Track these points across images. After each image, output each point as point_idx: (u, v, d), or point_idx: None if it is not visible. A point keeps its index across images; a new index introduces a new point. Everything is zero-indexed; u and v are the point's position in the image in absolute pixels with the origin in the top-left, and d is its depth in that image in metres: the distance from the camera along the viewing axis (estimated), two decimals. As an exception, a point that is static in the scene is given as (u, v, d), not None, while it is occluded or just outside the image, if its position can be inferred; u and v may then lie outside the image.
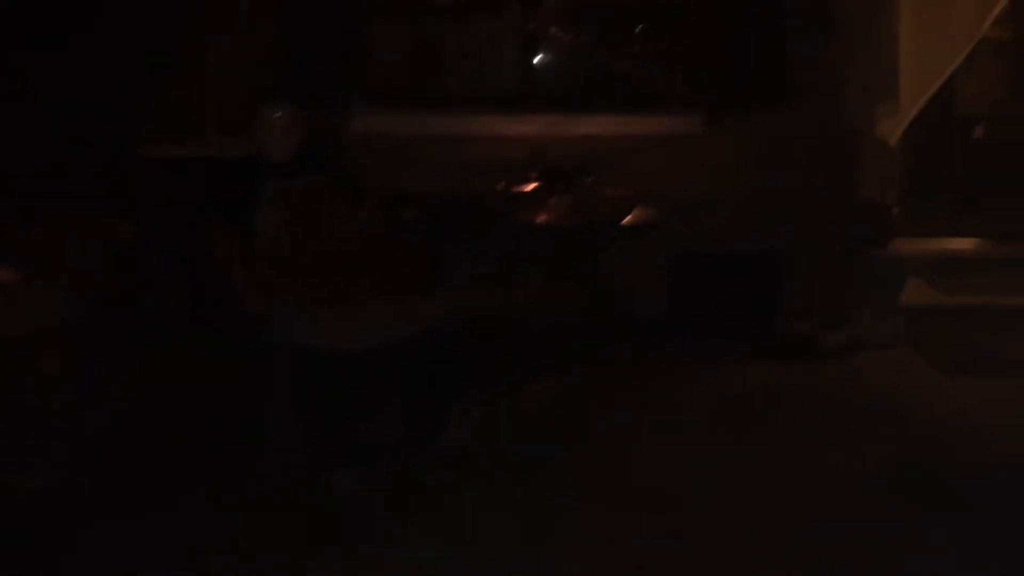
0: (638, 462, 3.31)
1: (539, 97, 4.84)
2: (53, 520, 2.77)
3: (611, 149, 4.63)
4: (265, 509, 2.91)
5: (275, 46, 4.52)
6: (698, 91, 4.75)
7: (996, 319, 4.68)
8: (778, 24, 4.59)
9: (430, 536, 2.77)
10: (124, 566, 2.56)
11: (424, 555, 2.66)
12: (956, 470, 3.25)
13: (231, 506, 2.92)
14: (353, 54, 4.70)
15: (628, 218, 4.19)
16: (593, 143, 4.66)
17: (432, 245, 4.33)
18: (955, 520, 2.88)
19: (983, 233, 5.40)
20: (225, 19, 4.55)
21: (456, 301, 3.50)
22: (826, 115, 4.59)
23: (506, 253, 4.60)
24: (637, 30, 4.88)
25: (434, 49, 4.87)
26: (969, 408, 3.75)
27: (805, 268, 4.56)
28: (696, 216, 4.52)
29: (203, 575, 2.55)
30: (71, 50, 4.27)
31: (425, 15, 4.86)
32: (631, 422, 3.65)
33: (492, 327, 4.25)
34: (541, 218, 4.26)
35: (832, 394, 3.95)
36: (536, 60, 4.92)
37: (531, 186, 4.38)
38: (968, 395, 3.89)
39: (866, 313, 4.51)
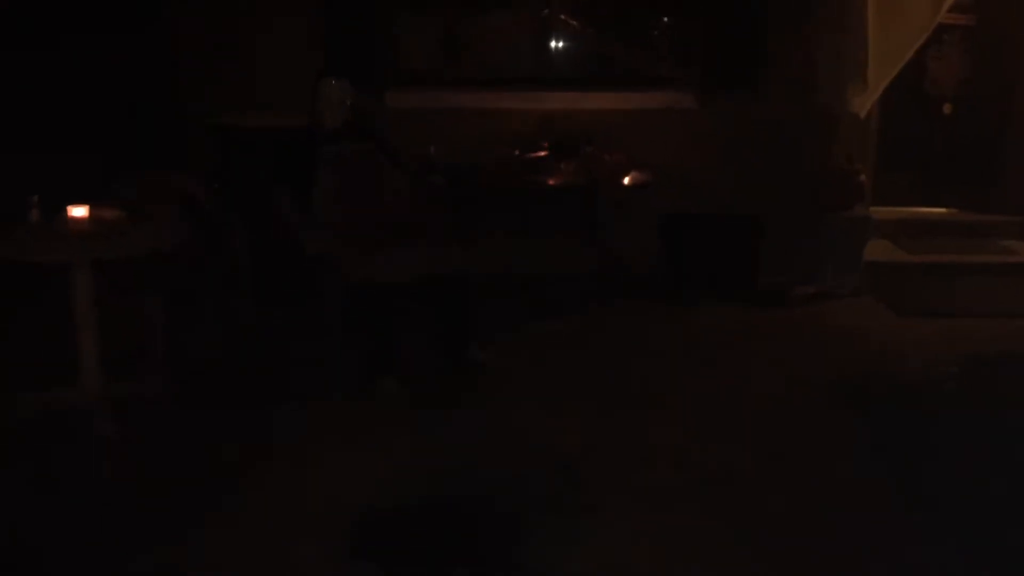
0: (628, 374, 4.00)
1: (550, 77, 5.50)
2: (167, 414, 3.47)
3: (611, 122, 5.28)
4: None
5: (324, 32, 5.16)
6: (688, 72, 5.38)
7: (949, 274, 5.33)
8: (760, 11, 5.20)
9: (456, 424, 3.48)
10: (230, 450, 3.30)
11: (450, 436, 3.39)
12: (895, 389, 3.92)
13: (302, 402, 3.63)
14: (389, 42, 5.34)
15: (625, 180, 4.84)
16: (596, 116, 5.30)
17: (457, 203, 5.02)
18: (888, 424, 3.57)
19: (946, 202, 6.04)
20: (280, 7, 5.19)
21: (471, 251, 4.16)
22: (802, 93, 5.20)
23: (520, 212, 5.27)
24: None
25: (458, 36, 5.52)
26: (918, 341, 4.42)
27: (780, 229, 5.16)
28: (685, 182, 5.16)
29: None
30: (146, 36, 4.92)
31: (450, 8, 5.49)
32: (623, 350, 4.32)
33: (505, 278, 4.93)
34: (551, 180, 4.92)
35: (798, 330, 4.62)
36: (547, 45, 5.57)
37: (542, 153, 5.04)
38: (918, 332, 4.55)
39: (832, 267, 5.12)
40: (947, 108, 5.98)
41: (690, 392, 3.83)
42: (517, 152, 5.07)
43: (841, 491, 3.08)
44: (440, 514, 2.90)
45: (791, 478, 3.16)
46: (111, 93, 4.67)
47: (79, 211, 3.30)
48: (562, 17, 5.40)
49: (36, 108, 4.40)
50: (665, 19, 5.59)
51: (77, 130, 4.44)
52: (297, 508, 2.90)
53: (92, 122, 4.53)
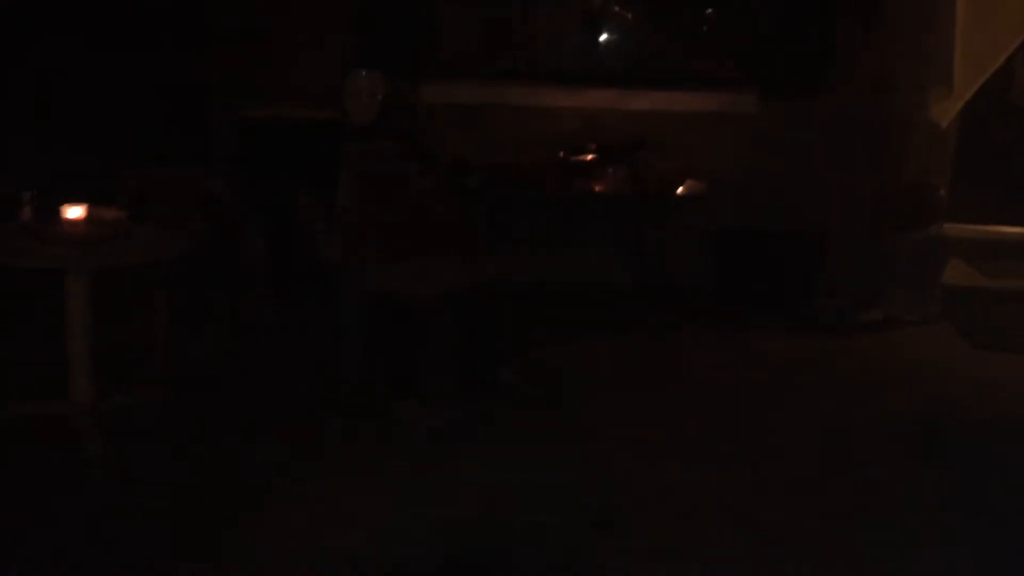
0: (675, 410, 3.61)
1: (599, 72, 5.07)
2: (163, 433, 3.17)
3: (664, 124, 4.87)
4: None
5: (357, 21, 4.82)
6: (748, 72, 4.92)
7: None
8: (829, 10, 4.73)
9: (480, 460, 3.13)
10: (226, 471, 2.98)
11: (472, 475, 3.03)
12: (973, 430, 3.48)
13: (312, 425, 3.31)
14: (427, 30, 4.98)
15: (679, 190, 4.43)
16: (647, 118, 4.89)
17: (492, 209, 4.66)
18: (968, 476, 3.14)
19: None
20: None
21: (504, 262, 3.81)
22: (873, 100, 4.72)
23: (562, 221, 4.89)
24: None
25: (501, 27, 5.13)
26: (996, 380, 3.96)
27: (844, 247, 4.72)
28: (741, 192, 4.73)
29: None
30: (170, 25, 4.64)
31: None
32: (666, 377, 3.93)
33: (546, 288, 4.58)
34: (598, 187, 4.53)
35: (865, 362, 4.17)
36: (598, 38, 5.14)
37: (589, 157, 4.65)
38: (996, 369, 4.09)
39: (903, 291, 4.66)
40: (1033, 119, 5.45)
41: (745, 434, 3.42)
42: (562, 154, 4.69)
43: (924, 566, 2.67)
44: (449, 573, 2.55)
45: (862, 543, 2.75)
46: (136, 83, 4.40)
47: (75, 212, 3.00)
48: (616, 8, 4.97)
49: (64, 99, 4.17)
50: (723, 13, 5.13)
51: (97, 123, 4.19)
52: (285, 560, 2.56)
53: (113, 114, 4.27)
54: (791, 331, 4.49)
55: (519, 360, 3.71)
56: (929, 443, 3.40)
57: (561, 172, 4.60)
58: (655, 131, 4.79)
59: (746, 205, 4.78)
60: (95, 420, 3.03)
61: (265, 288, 3.99)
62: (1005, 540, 2.77)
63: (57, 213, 2.99)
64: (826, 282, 4.76)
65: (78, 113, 4.20)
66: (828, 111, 4.75)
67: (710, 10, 5.13)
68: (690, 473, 3.09)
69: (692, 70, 4.98)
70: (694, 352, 4.23)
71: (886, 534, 2.80)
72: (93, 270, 3.00)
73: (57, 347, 3.10)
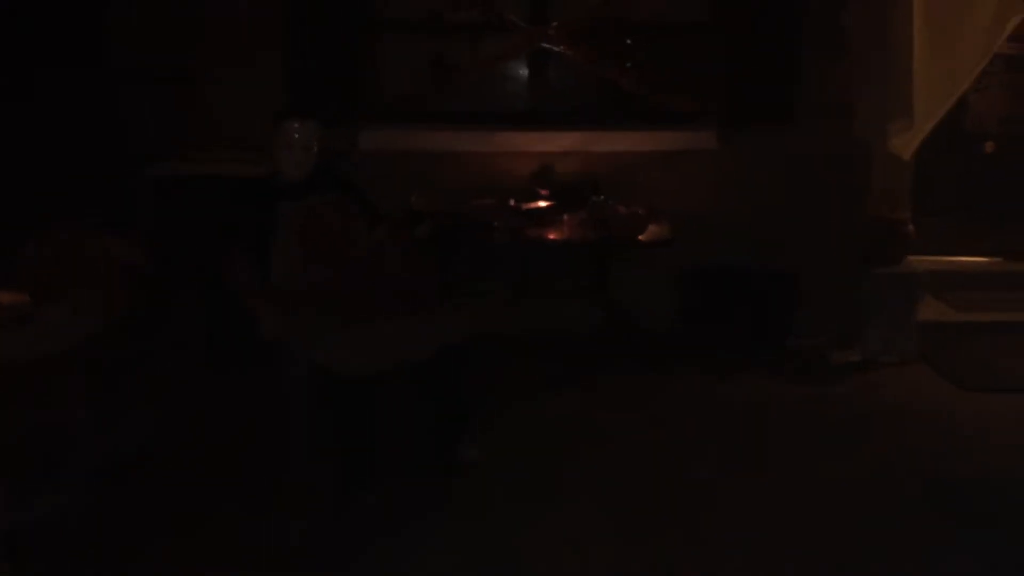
0: (646, 474, 3.29)
1: (550, 113, 4.80)
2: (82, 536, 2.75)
3: (622, 165, 4.60)
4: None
5: (285, 62, 4.46)
6: (708, 108, 4.70)
7: (1005, 335, 4.67)
8: (791, 42, 4.55)
9: (442, 549, 2.75)
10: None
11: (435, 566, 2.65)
12: (971, 485, 3.24)
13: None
14: (364, 71, 4.65)
15: (642, 235, 4.16)
16: (604, 159, 4.63)
17: (444, 262, 4.32)
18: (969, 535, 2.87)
19: (993, 251, 5.40)
20: (233, 34, 4.49)
21: (468, 318, 3.46)
22: (837, 132, 4.54)
23: (518, 270, 4.58)
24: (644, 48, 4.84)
25: (445, 66, 4.82)
26: (993, 425, 3.74)
27: (815, 284, 4.51)
28: (706, 231, 4.50)
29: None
30: (75, 67, 4.21)
31: (436, 33, 4.82)
32: (642, 441, 3.62)
33: (503, 343, 4.25)
34: (553, 235, 4.23)
35: (841, 409, 3.92)
36: (546, 77, 4.86)
37: (542, 203, 4.35)
38: (991, 411, 3.87)
39: (877, 330, 4.46)
40: (989, 146, 5.36)
41: (732, 504, 3.11)
42: (512, 202, 4.38)
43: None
44: None
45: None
46: (34, 136, 3.95)
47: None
48: (559, 49, 4.69)
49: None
50: (681, 49, 4.90)
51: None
52: None
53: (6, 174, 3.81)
54: (765, 376, 4.24)
55: (476, 432, 3.34)
56: (936, 500, 3.14)
57: (513, 220, 4.28)
58: (611, 172, 4.53)
59: (712, 242, 4.55)
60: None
61: (200, 367, 3.56)
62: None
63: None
64: (799, 322, 4.53)
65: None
66: (792, 143, 4.54)
67: (665, 40, 4.89)
68: (677, 558, 2.76)
69: (649, 106, 4.72)
70: (664, 405, 3.93)
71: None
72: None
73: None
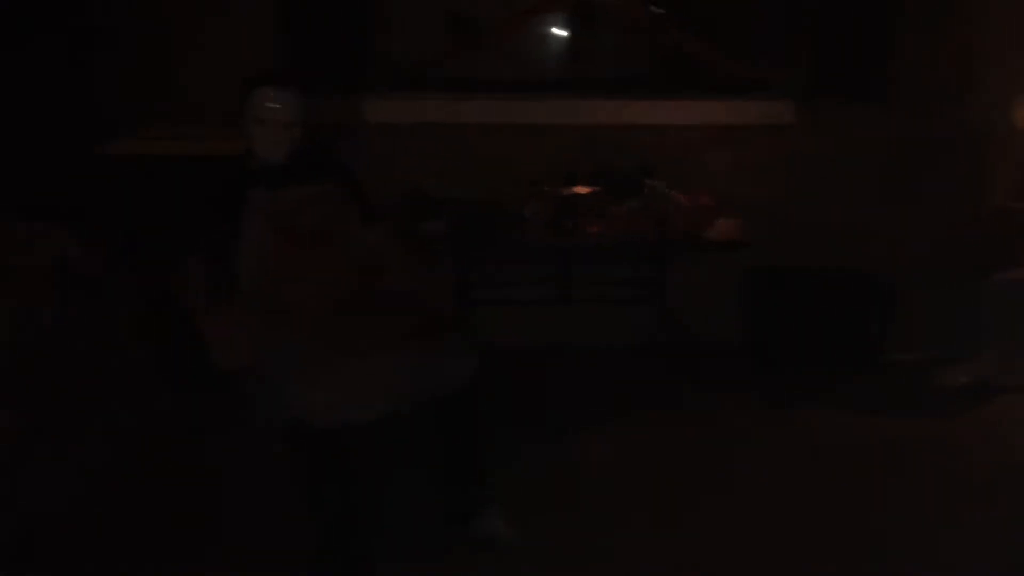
0: (710, 539, 2.56)
1: (592, 80, 4.13)
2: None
3: (677, 142, 3.86)
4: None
5: (277, 18, 3.73)
6: (784, 73, 3.96)
7: None
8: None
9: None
10: None
11: None
12: None
13: None
14: (370, 29, 3.93)
15: (710, 233, 3.37)
16: (657, 134, 3.88)
17: (461, 269, 3.58)
18: None
19: None
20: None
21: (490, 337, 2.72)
22: (947, 104, 3.79)
23: (552, 273, 3.83)
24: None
25: (466, 23, 4.11)
26: None
27: (916, 292, 3.77)
28: (779, 225, 3.76)
29: None
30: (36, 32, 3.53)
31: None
32: (697, 480, 2.91)
33: (535, 360, 3.54)
34: (595, 229, 3.45)
35: (959, 450, 3.15)
36: (588, 37, 4.18)
37: (585, 189, 3.57)
38: None
39: (995, 347, 3.67)
40: None
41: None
42: (547, 187, 3.60)
43: None
44: None
45: None
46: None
47: None
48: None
49: None
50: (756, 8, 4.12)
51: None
52: None
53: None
54: (856, 405, 3.49)
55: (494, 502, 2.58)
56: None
57: (548, 211, 3.51)
58: (664, 150, 3.79)
59: (786, 238, 3.81)
60: None
61: (140, 394, 2.87)
62: None
63: None
64: (895, 335, 3.77)
65: None
66: (888, 120, 3.80)
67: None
68: None
69: (714, 72, 4.01)
70: (732, 443, 3.20)
71: None
72: None
73: None
